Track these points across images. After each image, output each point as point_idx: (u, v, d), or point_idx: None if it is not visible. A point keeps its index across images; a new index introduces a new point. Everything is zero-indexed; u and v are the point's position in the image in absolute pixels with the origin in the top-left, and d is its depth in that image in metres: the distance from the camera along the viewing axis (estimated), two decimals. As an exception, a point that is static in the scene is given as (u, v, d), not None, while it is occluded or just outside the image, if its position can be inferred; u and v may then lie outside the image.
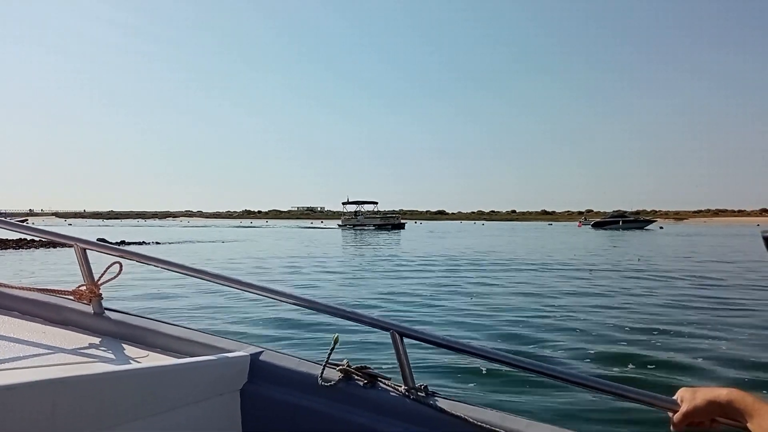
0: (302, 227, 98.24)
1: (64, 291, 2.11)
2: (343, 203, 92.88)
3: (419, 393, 1.65)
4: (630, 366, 6.15)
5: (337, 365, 1.76)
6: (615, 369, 6.05)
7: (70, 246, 2.05)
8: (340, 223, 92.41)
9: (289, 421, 1.75)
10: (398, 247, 32.82)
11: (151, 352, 1.92)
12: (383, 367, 1.77)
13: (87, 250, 2.06)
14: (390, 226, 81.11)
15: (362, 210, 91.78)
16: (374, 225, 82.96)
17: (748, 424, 1.15)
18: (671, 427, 1.29)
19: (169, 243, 36.54)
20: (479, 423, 1.51)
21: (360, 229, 79.39)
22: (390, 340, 1.69)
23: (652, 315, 9.64)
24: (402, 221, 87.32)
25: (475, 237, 50.61)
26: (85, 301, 2.09)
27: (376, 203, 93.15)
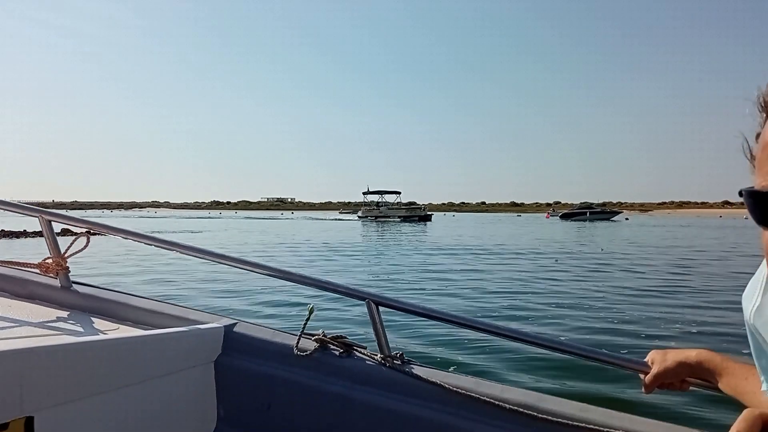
0: (315, 219, 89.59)
1: (30, 264, 2.05)
2: (364, 193, 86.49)
3: (395, 361, 1.64)
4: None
5: (313, 335, 1.74)
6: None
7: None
8: (360, 214, 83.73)
9: (264, 392, 1.73)
10: (455, 240, 29.98)
11: (121, 325, 1.89)
12: (360, 336, 1.75)
13: (53, 222, 2.00)
14: (417, 218, 73.61)
15: (384, 200, 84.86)
16: (399, 216, 75.26)
17: (718, 383, 1.16)
18: (642, 389, 1.31)
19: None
20: (454, 389, 1.51)
21: (383, 221, 71.94)
22: (366, 310, 1.68)
23: (606, 302, 9.86)
24: (429, 213, 79.90)
25: (492, 227, 49.35)
26: (51, 275, 2.04)
27: (399, 193, 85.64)
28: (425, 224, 61.95)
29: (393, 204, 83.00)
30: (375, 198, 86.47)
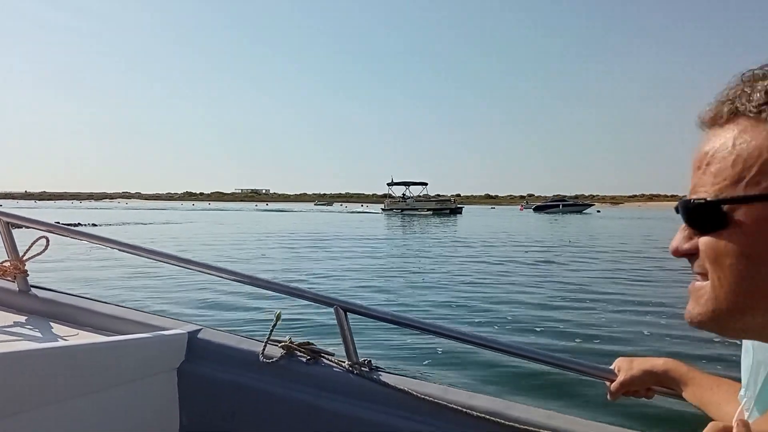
0: (338, 212, 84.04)
1: None
2: (388, 184, 79.85)
3: (363, 368, 1.62)
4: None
5: (280, 342, 1.71)
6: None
7: None
8: (384, 206, 78.64)
9: (229, 400, 1.70)
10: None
11: (81, 331, 1.83)
12: (328, 343, 1.72)
13: (11, 225, 1.93)
14: (448, 211, 69.34)
15: (410, 192, 78.89)
16: (429, 209, 70.78)
17: (683, 392, 1.18)
18: (608, 396, 1.32)
19: (109, 225, 34.76)
20: (422, 396, 1.50)
21: (409, 214, 66.85)
22: (334, 316, 1.66)
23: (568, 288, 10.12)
24: (459, 206, 75.93)
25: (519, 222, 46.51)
26: (9, 278, 1.96)
27: (426, 184, 79.07)
28: (456, 218, 57.59)
29: (420, 197, 77.35)
30: (401, 190, 79.84)
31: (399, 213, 71.36)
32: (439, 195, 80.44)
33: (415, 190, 79.72)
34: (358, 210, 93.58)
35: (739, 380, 0.90)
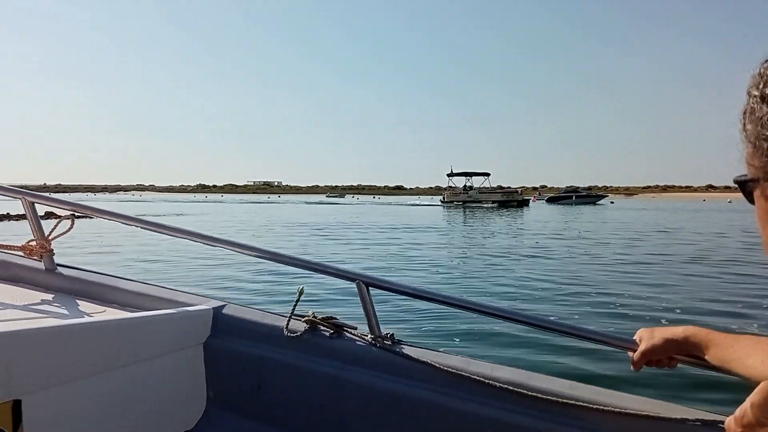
0: (396, 204, 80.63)
1: (13, 246, 2.01)
2: (448, 175, 74.15)
3: (385, 341, 1.64)
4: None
5: (303, 317, 1.73)
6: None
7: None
8: (444, 198, 73.46)
9: (254, 374, 1.73)
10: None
11: (108, 308, 1.86)
12: (350, 317, 1.74)
13: (36, 204, 1.96)
14: (515, 204, 64.34)
15: (472, 184, 74.15)
16: (494, 201, 65.66)
17: (705, 356, 1.17)
18: (631, 367, 1.32)
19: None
20: (445, 368, 1.51)
21: (472, 207, 61.82)
22: (356, 291, 1.67)
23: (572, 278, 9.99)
24: (526, 198, 71.17)
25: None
26: (35, 257, 2.00)
27: (488, 174, 74.55)
28: (523, 211, 51.94)
29: (485, 188, 72.44)
30: (462, 181, 75.07)
31: (460, 205, 66.48)
32: (501, 186, 75.91)
33: (474, 181, 75.21)
34: (416, 203, 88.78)
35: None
